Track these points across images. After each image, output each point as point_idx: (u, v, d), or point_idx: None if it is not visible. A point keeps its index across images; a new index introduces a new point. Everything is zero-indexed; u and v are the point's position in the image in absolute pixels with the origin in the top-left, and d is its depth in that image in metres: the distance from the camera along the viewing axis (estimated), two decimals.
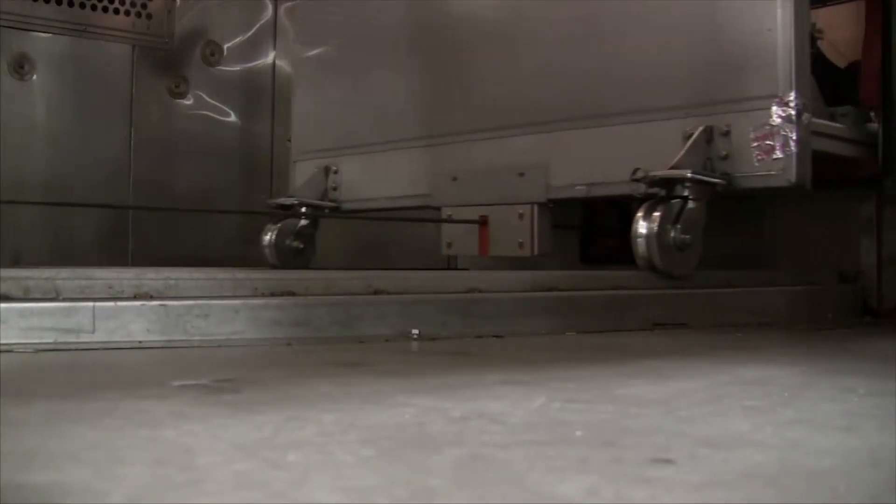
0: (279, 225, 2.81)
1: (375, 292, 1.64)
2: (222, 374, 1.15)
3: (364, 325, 1.57)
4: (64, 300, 1.36)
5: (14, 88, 3.10)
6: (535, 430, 0.84)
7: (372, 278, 1.67)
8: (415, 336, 1.60)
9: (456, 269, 3.04)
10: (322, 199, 2.92)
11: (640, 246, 1.94)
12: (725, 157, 2.02)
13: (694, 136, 2.02)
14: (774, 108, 1.94)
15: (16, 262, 2.90)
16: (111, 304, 1.38)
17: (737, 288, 2.15)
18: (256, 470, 0.67)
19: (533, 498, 0.61)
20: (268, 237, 2.80)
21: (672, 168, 1.98)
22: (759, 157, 1.97)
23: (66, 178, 3.18)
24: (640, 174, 1.98)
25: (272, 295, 1.53)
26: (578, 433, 0.82)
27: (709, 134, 2.03)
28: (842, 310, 2.32)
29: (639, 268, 1.96)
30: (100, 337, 1.35)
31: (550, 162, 2.36)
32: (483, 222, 2.49)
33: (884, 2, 2.37)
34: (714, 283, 2.14)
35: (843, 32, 3.26)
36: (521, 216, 2.40)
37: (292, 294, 1.55)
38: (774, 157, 1.95)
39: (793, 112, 1.92)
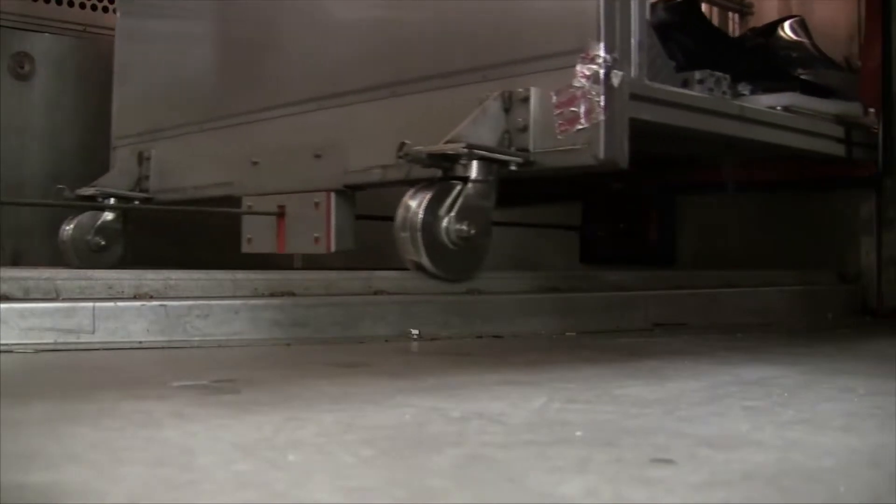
0: (77, 219, 2.43)
1: (376, 293, 1.64)
2: (222, 375, 1.15)
3: (364, 325, 1.57)
4: (64, 300, 1.36)
5: None
6: (536, 430, 0.84)
7: (372, 279, 1.67)
8: (415, 336, 1.60)
9: None
10: (134, 189, 2.54)
11: (403, 241, 1.52)
12: (524, 130, 1.61)
13: (484, 104, 1.61)
14: (579, 67, 1.55)
15: (16, 262, 2.90)
16: (111, 304, 1.38)
17: (737, 288, 2.15)
18: (256, 470, 0.67)
19: (533, 498, 0.61)
20: (65, 232, 2.41)
21: (448, 142, 1.55)
22: (562, 128, 1.56)
23: None
24: (405, 150, 1.56)
25: (272, 295, 1.53)
26: (578, 433, 0.82)
27: (506, 101, 1.63)
28: (842, 310, 2.32)
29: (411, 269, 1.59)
30: (100, 337, 1.35)
31: (347, 141, 1.96)
32: (280, 213, 2.10)
33: (884, 2, 2.37)
34: (714, 283, 2.14)
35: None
36: (316, 205, 2.01)
37: (292, 294, 1.55)
38: (578, 127, 1.54)
39: (600, 70, 1.53)
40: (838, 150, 2.27)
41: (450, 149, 1.54)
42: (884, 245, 2.38)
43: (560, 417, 0.90)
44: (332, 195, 1.99)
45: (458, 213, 1.52)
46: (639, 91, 1.62)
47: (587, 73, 1.55)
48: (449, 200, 1.54)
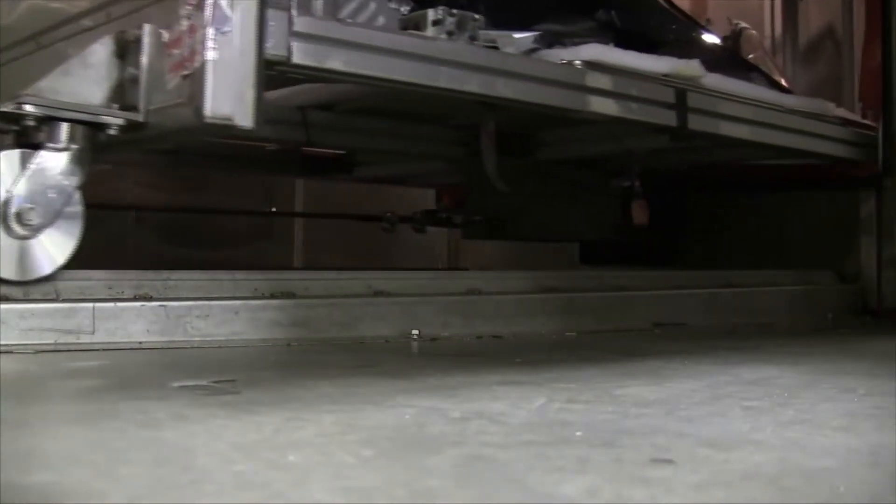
0: None
1: (376, 293, 1.64)
2: (222, 375, 1.15)
3: (364, 325, 1.57)
4: (64, 301, 1.36)
5: None
6: (536, 430, 0.84)
7: (372, 279, 1.66)
8: (415, 337, 1.60)
9: (457, 269, 3.05)
10: None
11: None
12: (136, 82, 1.27)
13: (87, 49, 1.30)
14: None
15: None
16: (111, 304, 1.37)
17: (737, 288, 2.15)
18: (257, 471, 0.67)
19: (533, 498, 0.61)
20: None
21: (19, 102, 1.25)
22: (172, 75, 1.22)
23: None
24: None
25: (272, 296, 1.53)
26: (578, 433, 0.82)
27: (120, 45, 1.30)
28: (842, 310, 2.32)
29: None
30: (100, 338, 1.35)
31: None
32: None
33: (884, 2, 2.37)
34: (714, 283, 2.14)
35: None
36: None
37: (292, 295, 1.55)
38: (184, 73, 1.20)
39: None
40: (663, 117, 1.85)
41: (7, 106, 1.23)
42: (884, 245, 2.38)
43: (560, 417, 0.90)
44: None
45: (26, 191, 1.23)
46: (308, 29, 1.28)
47: (193, 1, 1.20)
48: (15, 174, 1.24)
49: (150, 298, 1.42)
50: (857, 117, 2.41)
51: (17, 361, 1.24)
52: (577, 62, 1.70)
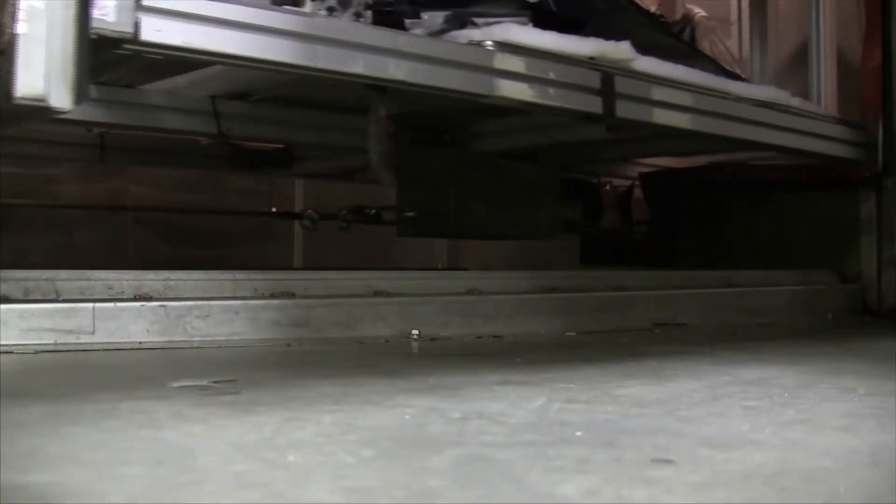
0: None
1: (376, 293, 1.64)
2: (222, 375, 1.15)
3: (364, 325, 1.57)
4: (64, 301, 1.36)
5: None
6: (535, 430, 0.84)
7: (372, 279, 1.66)
8: (415, 337, 1.60)
9: (457, 269, 3.04)
10: None
11: None
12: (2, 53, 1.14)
13: None
14: None
15: (16, 263, 2.89)
16: (111, 305, 1.38)
17: (737, 288, 2.15)
18: (257, 470, 0.67)
19: (533, 498, 0.61)
20: None
21: None
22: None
23: None
24: None
25: (272, 296, 1.53)
26: (578, 433, 0.82)
27: None
28: (842, 310, 2.32)
29: None
30: (100, 338, 1.35)
31: None
32: None
33: (884, 2, 2.37)
34: (714, 283, 2.14)
35: None
36: None
37: (292, 295, 1.55)
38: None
39: None
40: (587, 103, 1.69)
41: None
42: (884, 245, 2.38)
43: (560, 417, 0.90)
44: None
45: None
46: (159, 3, 1.18)
47: None
48: None
49: (150, 298, 1.42)
50: (818, 108, 2.36)
51: (17, 361, 1.24)
52: (488, 43, 1.57)
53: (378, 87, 1.61)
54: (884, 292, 2.36)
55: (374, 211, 2.60)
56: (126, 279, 1.45)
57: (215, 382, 1.09)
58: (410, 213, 2.44)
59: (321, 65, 1.36)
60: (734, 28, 3.09)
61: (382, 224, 2.61)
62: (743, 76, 2.55)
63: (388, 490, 0.63)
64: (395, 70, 1.43)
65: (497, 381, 1.14)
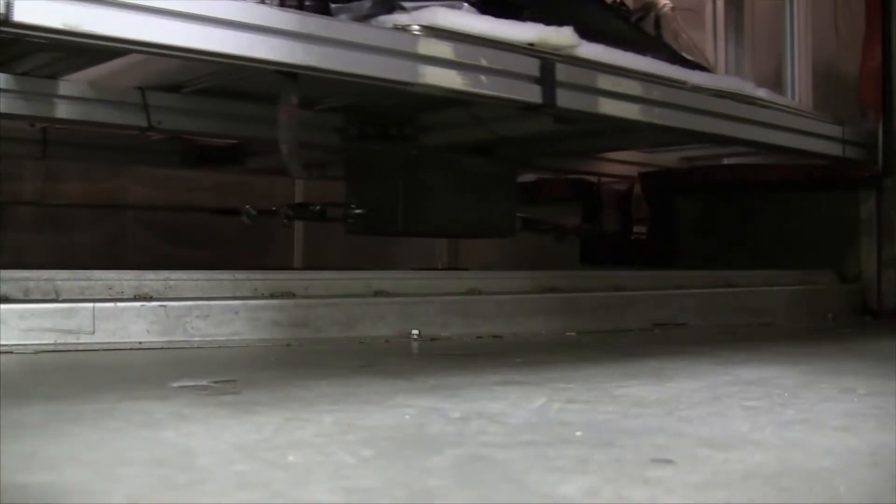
0: None
1: (376, 293, 1.64)
2: (222, 375, 1.15)
3: (364, 325, 1.57)
4: (64, 301, 1.36)
5: None
6: (535, 430, 0.84)
7: (372, 279, 1.66)
8: (415, 337, 1.60)
9: (457, 269, 3.04)
10: None
11: None
12: None
13: None
14: None
15: (16, 263, 2.89)
16: (111, 305, 1.38)
17: (737, 288, 2.15)
18: (257, 470, 0.67)
19: (533, 498, 0.61)
20: None
21: None
22: None
23: None
24: None
25: (272, 296, 1.53)
26: (578, 433, 0.82)
27: None
28: (842, 310, 2.32)
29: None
30: (100, 338, 1.35)
31: None
32: None
33: (884, 2, 2.37)
34: (714, 283, 2.14)
35: None
36: None
37: (292, 295, 1.55)
38: None
39: None
40: (524, 92, 1.59)
41: None
42: (884, 245, 2.38)
43: (560, 417, 0.90)
44: None
45: None
46: None
47: None
48: None
49: (150, 298, 1.42)
50: (784, 99, 2.31)
51: (17, 361, 1.24)
52: (415, 28, 1.49)
53: (289, 74, 1.50)
54: (884, 292, 2.36)
55: (318, 207, 2.47)
56: (126, 279, 1.45)
57: (215, 382, 1.09)
58: (359, 211, 2.36)
59: (221, 48, 1.28)
60: (708, 19, 3.04)
61: (327, 221, 2.51)
62: (708, 67, 2.42)
63: (387, 490, 0.63)
64: (306, 55, 1.36)
65: (497, 381, 1.14)
